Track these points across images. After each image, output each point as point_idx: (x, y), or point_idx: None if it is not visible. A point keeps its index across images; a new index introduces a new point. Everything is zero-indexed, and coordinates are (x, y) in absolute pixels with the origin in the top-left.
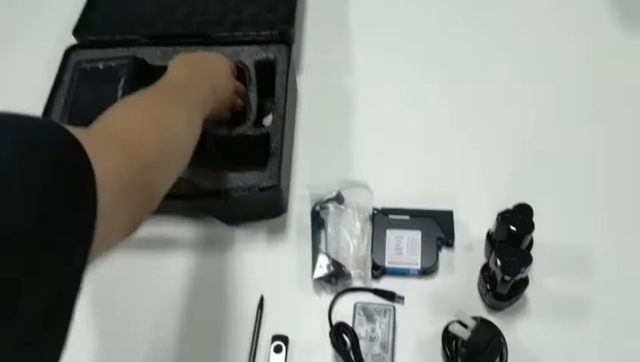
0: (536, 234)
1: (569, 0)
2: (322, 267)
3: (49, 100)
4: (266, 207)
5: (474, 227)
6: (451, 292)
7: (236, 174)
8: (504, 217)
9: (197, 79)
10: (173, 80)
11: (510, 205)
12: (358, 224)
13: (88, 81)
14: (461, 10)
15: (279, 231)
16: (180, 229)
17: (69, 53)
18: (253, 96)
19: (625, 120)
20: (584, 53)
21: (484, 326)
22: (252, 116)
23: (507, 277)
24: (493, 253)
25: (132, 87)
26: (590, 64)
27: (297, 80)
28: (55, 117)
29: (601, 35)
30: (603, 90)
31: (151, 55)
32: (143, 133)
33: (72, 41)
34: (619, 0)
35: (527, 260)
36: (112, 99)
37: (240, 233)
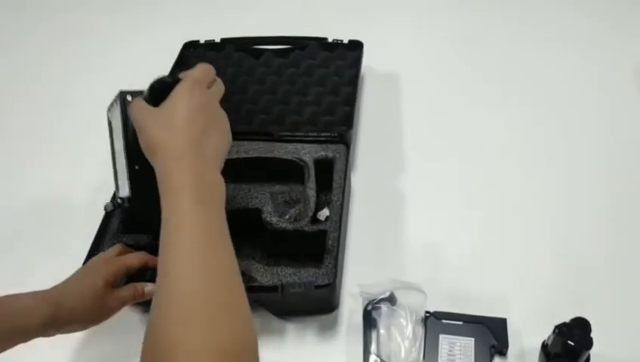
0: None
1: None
2: None
3: None
4: (319, 304)
5: (527, 336)
6: None
7: (292, 270)
8: (561, 331)
9: None
10: None
11: (564, 314)
12: (410, 326)
13: None
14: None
15: (330, 328)
16: None
17: None
18: (311, 193)
19: None
20: None
21: None
22: (310, 212)
23: None
24: None
25: None
26: None
27: (351, 178)
28: None
29: None
30: None
31: None
32: None
33: None
34: None
35: None
36: None
37: (290, 327)
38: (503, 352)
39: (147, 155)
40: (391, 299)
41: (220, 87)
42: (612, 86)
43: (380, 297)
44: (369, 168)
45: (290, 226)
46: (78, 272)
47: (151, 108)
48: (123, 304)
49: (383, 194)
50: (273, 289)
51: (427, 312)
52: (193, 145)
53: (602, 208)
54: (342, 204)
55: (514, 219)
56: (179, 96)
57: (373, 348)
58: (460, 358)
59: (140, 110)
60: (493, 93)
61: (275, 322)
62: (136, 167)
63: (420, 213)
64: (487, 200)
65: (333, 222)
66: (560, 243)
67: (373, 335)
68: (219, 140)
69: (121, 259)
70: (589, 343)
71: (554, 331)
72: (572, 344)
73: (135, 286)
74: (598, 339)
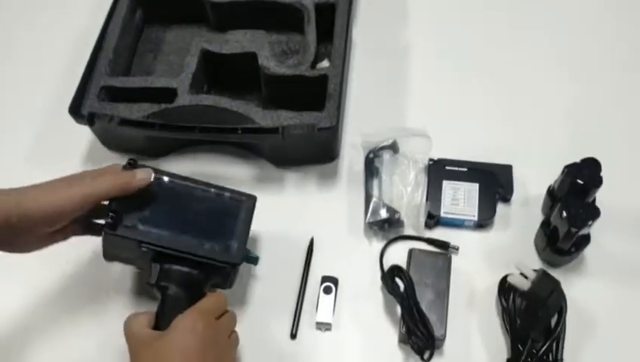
0: (599, 194)
1: None
2: (376, 212)
3: None
4: (319, 151)
5: (532, 184)
6: (506, 247)
7: (293, 113)
8: (571, 170)
9: None
10: None
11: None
12: (413, 173)
13: None
14: None
15: (330, 176)
16: (230, 169)
17: None
18: (312, 38)
19: None
20: None
21: (545, 278)
22: (310, 57)
23: (573, 229)
24: (558, 206)
25: None
26: None
27: (353, 29)
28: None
29: None
30: None
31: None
32: None
33: None
34: None
35: (596, 213)
36: None
37: (290, 176)
38: (507, 198)
39: None
40: (393, 147)
41: (231, 318)
42: None
43: (383, 145)
44: (372, 16)
45: (289, 71)
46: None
47: (148, 338)
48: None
49: (385, 45)
50: (274, 130)
51: (431, 159)
52: None
53: (613, 52)
54: (344, 49)
55: (522, 67)
56: (180, 331)
57: (375, 192)
58: (464, 202)
59: (138, 338)
60: None
61: (275, 171)
62: None
63: (424, 62)
64: (495, 48)
65: (336, 67)
66: (568, 92)
67: (375, 182)
68: None
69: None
70: (598, 181)
71: (563, 171)
72: (581, 182)
73: None
74: (604, 186)
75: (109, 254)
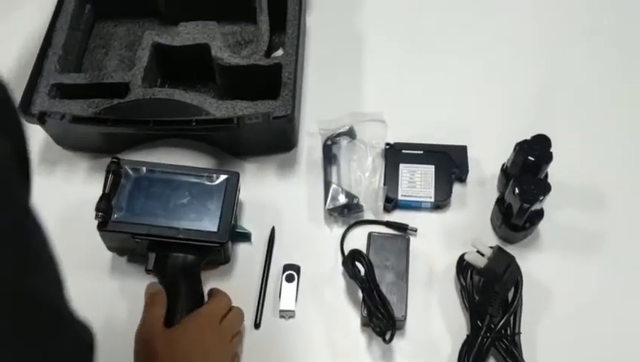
0: (551, 170)
1: None
2: (335, 198)
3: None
4: (277, 140)
5: (486, 163)
6: (464, 226)
7: (248, 103)
8: (522, 147)
9: None
10: None
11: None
12: (370, 158)
13: None
14: None
15: (289, 165)
16: (188, 162)
17: None
18: (264, 27)
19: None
20: None
21: (501, 254)
22: (264, 46)
23: (526, 205)
24: (512, 182)
25: None
26: None
27: (307, 15)
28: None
29: None
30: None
31: None
32: None
33: None
34: None
35: (547, 188)
36: None
37: (249, 166)
38: (462, 178)
39: None
40: (350, 133)
41: (237, 316)
42: None
43: (339, 131)
44: (325, 6)
45: (243, 62)
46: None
47: (162, 335)
48: None
49: (339, 32)
50: (229, 120)
51: (387, 144)
52: None
53: (561, 31)
54: (298, 38)
55: (472, 48)
56: (184, 337)
57: (333, 179)
58: (421, 184)
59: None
60: None
61: (233, 162)
62: None
63: (377, 47)
64: (446, 31)
65: (289, 55)
66: (517, 73)
67: (334, 169)
68: None
69: None
70: (548, 157)
71: (515, 149)
72: (532, 159)
73: None
74: (554, 162)
75: (112, 248)
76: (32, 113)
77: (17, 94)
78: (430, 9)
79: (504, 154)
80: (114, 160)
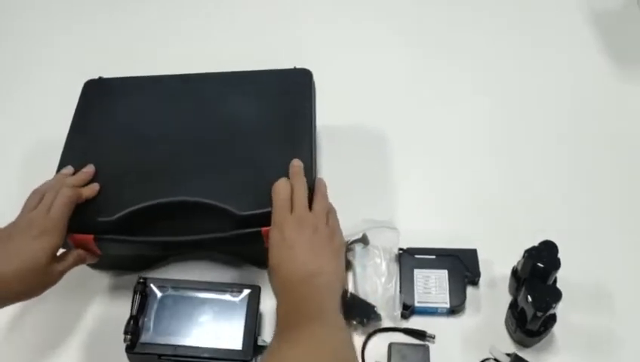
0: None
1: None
2: (353, 308)
3: None
4: None
5: (496, 265)
6: (480, 330)
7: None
8: (531, 254)
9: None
10: None
11: (529, 242)
12: (384, 264)
13: None
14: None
15: None
16: (212, 274)
17: None
18: None
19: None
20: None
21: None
22: None
23: (539, 313)
24: (523, 290)
25: None
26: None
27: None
28: None
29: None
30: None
31: None
32: None
33: None
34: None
35: (558, 296)
36: None
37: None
38: (475, 281)
39: (292, 281)
40: (364, 240)
41: (320, 207)
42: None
43: (354, 238)
44: (337, 110)
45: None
46: (12, 235)
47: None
48: (63, 274)
49: (352, 139)
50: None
51: (400, 249)
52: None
53: (562, 143)
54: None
55: (479, 153)
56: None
57: (350, 287)
58: (436, 290)
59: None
60: None
61: (257, 273)
62: None
63: (385, 154)
64: (454, 137)
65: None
66: (523, 176)
67: (350, 276)
68: None
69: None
70: (556, 264)
71: (524, 255)
72: (541, 265)
73: (78, 253)
74: (563, 263)
75: None
76: None
77: None
78: (439, 116)
79: (512, 254)
80: (140, 280)
